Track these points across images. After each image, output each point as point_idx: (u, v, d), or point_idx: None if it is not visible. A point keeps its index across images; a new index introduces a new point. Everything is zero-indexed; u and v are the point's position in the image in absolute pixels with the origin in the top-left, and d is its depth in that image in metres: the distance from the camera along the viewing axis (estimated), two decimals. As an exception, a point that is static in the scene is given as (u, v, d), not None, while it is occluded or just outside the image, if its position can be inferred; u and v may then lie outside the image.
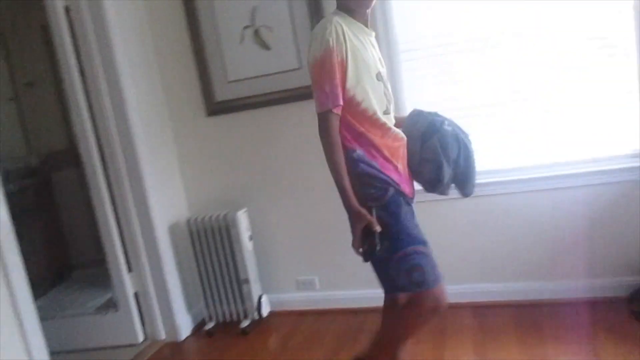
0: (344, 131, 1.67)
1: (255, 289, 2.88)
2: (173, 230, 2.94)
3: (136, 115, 2.73)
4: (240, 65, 2.81)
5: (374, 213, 1.67)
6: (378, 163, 1.69)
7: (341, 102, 1.63)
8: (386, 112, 1.73)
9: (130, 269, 2.85)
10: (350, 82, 1.64)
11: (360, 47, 1.66)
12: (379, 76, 1.72)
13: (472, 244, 2.71)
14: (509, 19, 2.51)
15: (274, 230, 3.01)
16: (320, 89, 1.62)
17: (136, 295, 2.87)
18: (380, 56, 1.79)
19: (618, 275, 2.41)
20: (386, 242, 1.67)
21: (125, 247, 2.83)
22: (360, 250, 1.69)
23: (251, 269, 2.86)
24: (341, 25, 1.63)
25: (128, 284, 2.83)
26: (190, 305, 3.01)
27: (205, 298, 2.93)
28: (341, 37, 1.61)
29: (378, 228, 1.64)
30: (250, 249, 2.87)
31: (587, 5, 2.40)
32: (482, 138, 2.59)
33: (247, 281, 2.83)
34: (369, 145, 1.68)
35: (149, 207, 2.77)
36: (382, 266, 1.75)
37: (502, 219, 2.64)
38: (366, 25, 1.75)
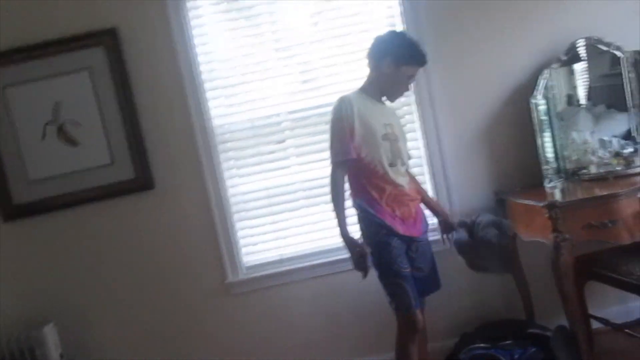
0: (354, 183, 2.16)
1: (69, 414, 2.51)
2: (-40, 358, 2.48)
3: None
4: (44, 163, 2.59)
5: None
6: (374, 209, 2.11)
7: (351, 156, 2.08)
8: (392, 165, 2.14)
9: None
10: (357, 142, 2.08)
11: (369, 115, 2.11)
12: (384, 137, 2.11)
13: (280, 328, 2.75)
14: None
15: (91, 345, 2.71)
16: (332, 147, 2.11)
17: None
18: (392, 122, 2.21)
19: (435, 340, 2.57)
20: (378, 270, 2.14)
21: None
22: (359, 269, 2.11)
23: (64, 392, 2.50)
24: (350, 100, 2.11)
25: None
26: None
27: None
28: (349, 109, 2.08)
29: (368, 250, 2.08)
30: (62, 368, 2.53)
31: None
32: (296, 225, 2.76)
33: (58, 408, 2.47)
34: (369, 194, 2.13)
35: None
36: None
37: (315, 301, 2.75)
38: (379, 100, 2.21)
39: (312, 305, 2.74)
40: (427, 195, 2.44)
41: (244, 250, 2.76)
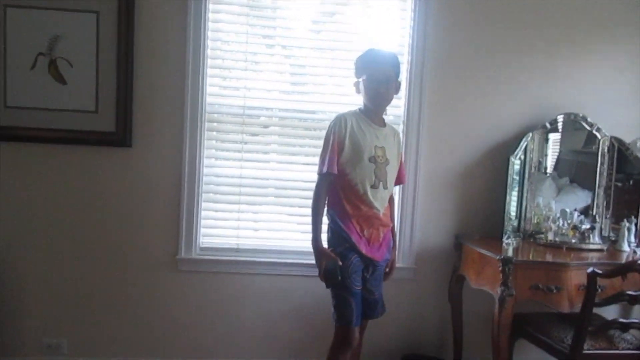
0: (332, 194, 2.22)
1: (-16, 350, 2.42)
2: None
3: None
4: (27, 92, 2.51)
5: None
6: (344, 224, 2.18)
7: (333, 170, 2.17)
8: (374, 187, 2.20)
9: None
10: (343, 159, 2.18)
11: (360, 135, 2.20)
12: (372, 159, 2.19)
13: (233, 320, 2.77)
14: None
15: (23, 283, 2.63)
16: (320, 159, 2.20)
17: None
18: (385, 146, 2.24)
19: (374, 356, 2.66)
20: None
21: None
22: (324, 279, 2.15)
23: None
24: (345, 119, 2.21)
25: None
26: None
27: None
28: (342, 127, 2.18)
29: (340, 262, 2.13)
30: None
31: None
32: (260, 219, 2.81)
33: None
34: (342, 209, 2.20)
35: None
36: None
37: (267, 297, 2.77)
38: (376, 122, 2.26)
39: (256, 299, 2.76)
40: (393, 229, 2.43)
41: (203, 230, 2.74)
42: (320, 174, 2.20)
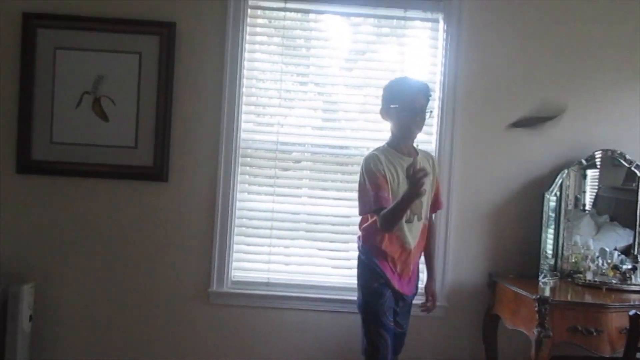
0: (368, 228, 2.21)
1: (23, 381, 2.47)
2: None
3: None
4: (72, 128, 2.64)
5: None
6: (378, 260, 2.18)
7: (385, 204, 2.07)
8: (408, 221, 2.18)
9: None
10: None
11: (393, 171, 2.17)
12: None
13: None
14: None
15: (56, 312, 2.69)
16: (365, 196, 2.14)
17: None
18: None
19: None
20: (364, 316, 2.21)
21: None
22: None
23: (22, 356, 2.45)
24: (378, 157, 2.18)
25: None
26: None
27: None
28: (379, 163, 2.15)
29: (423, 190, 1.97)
30: (27, 332, 2.49)
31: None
32: (291, 254, 2.83)
33: (13, 371, 2.43)
34: (377, 244, 2.18)
35: None
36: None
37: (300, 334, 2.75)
38: (406, 153, 2.22)
39: (286, 334, 2.73)
40: (433, 254, 2.44)
41: (234, 264, 2.77)
42: (372, 211, 2.13)
